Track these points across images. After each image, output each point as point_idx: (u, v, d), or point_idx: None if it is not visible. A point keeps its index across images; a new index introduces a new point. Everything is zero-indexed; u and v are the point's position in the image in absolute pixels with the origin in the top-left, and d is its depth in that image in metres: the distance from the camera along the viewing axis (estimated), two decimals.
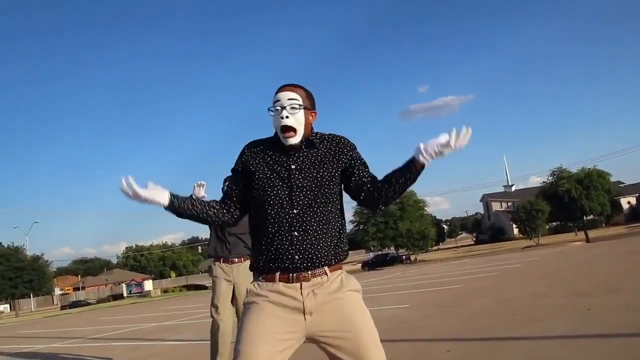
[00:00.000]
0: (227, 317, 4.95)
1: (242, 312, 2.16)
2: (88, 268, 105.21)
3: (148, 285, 57.91)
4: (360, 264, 52.57)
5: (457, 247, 76.22)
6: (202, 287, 49.53)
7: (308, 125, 2.15)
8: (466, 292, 10.75)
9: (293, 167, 2.11)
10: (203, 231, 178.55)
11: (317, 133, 2.21)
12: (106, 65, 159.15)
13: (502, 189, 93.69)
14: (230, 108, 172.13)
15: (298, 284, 2.02)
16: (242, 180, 2.19)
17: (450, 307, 8.60)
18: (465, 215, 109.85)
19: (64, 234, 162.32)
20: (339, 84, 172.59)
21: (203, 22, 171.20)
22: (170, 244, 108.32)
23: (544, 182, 55.16)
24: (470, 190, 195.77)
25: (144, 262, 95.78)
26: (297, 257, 2.02)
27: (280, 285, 2.03)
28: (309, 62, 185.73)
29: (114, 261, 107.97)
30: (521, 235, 52.79)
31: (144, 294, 53.01)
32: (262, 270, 2.09)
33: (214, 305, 4.98)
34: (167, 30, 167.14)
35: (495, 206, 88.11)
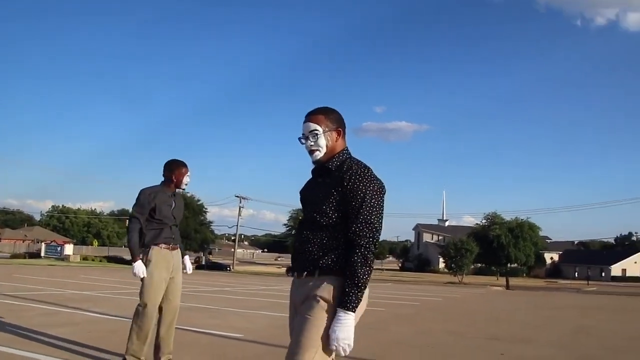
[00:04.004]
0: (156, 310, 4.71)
1: None
2: (8, 220, 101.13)
3: (68, 249, 55.82)
4: (285, 268, 52.57)
5: (382, 269, 77.19)
6: (123, 261, 48.53)
7: (333, 145, 2.53)
8: (388, 317, 10.96)
9: (313, 190, 2.55)
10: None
11: (347, 159, 2.51)
12: None
13: (436, 222, 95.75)
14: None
15: (297, 280, 2.53)
16: None
17: (372, 330, 8.80)
18: (396, 240, 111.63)
19: None
20: (304, 90, 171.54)
21: None
22: (98, 212, 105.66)
23: (477, 223, 57.03)
24: (405, 217, 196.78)
25: (67, 224, 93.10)
26: (294, 263, 2.56)
27: (292, 280, 2.59)
28: (278, 65, 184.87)
29: (37, 218, 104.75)
30: (446, 270, 53.93)
31: (62, 258, 51.34)
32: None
33: (152, 302, 4.61)
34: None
35: (427, 237, 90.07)
